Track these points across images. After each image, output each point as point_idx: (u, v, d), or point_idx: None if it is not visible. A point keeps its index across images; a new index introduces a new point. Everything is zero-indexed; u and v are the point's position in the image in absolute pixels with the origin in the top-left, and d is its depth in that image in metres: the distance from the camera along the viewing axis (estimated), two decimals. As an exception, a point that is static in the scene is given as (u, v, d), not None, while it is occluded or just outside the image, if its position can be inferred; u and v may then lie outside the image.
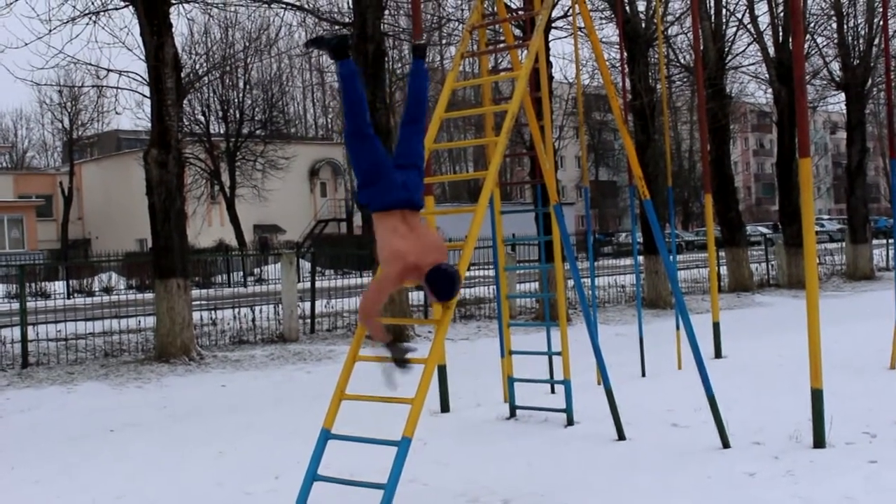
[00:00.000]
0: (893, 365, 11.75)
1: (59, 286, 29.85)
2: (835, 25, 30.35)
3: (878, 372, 11.75)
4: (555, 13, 21.47)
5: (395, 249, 6.21)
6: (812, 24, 29.52)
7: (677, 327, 13.04)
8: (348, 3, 21.11)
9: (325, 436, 6.39)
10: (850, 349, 13.32)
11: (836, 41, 30.68)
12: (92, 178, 65.55)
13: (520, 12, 11.54)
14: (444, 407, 10.78)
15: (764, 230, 60.72)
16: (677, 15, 27.17)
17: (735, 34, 28.96)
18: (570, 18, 20.52)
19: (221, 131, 50.38)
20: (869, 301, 22.57)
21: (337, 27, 24.85)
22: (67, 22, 18.20)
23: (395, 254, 6.21)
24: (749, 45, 29.87)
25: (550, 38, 21.29)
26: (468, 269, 6.89)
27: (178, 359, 15.37)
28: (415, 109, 6.81)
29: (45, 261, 43.44)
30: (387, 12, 21.67)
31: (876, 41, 29.09)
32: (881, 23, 20.35)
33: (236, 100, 50.63)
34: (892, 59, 13.53)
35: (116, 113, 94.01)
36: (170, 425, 10.78)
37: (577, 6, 10.57)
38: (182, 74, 17.09)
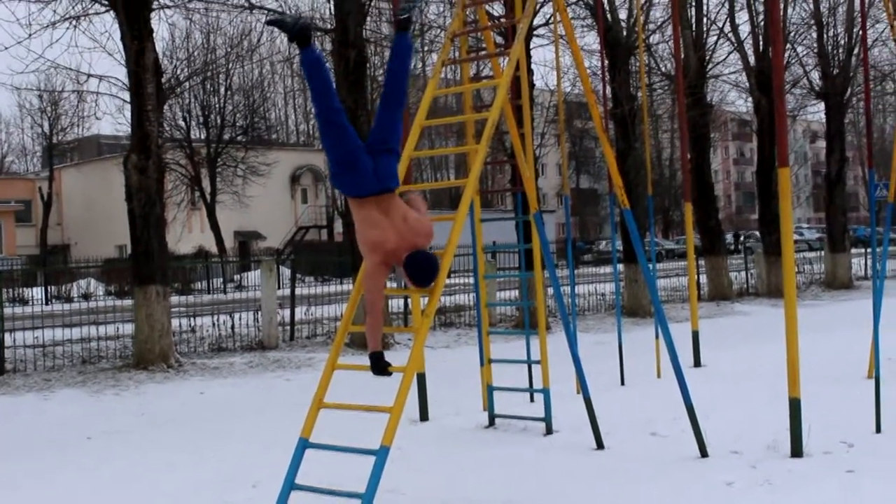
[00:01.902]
0: (871, 374, 11.78)
1: (37, 292, 29.75)
2: (815, 35, 30.52)
3: (855, 381, 11.81)
4: (536, 21, 21.51)
5: (371, 240, 6.22)
6: (792, 34, 29.70)
7: (656, 336, 13.06)
8: (330, 9, 21.14)
9: (303, 444, 6.36)
10: (829, 358, 13.39)
11: (816, 50, 30.85)
12: (72, 183, 65.26)
13: (501, 20, 11.53)
14: (424, 415, 10.77)
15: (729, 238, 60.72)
16: (658, 23, 27.27)
17: (716, 43, 29.10)
18: (552, 26, 20.57)
19: (202, 137, 50.26)
20: (847, 310, 22.67)
21: (319, 33, 24.81)
22: (48, 26, 18.11)
23: (372, 244, 6.22)
24: (729, 53, 29.98)
25: (532, 45, 21.31)
26: (448, 277, 6.88)
27: (156, 366, 15.30)
28: (393, 89, 6.53)
29: (24, 266, 43.16)
30: (369, 18, 21.63)
31: (855, 51, 29.25)
32: (860, 33, 20.45)
33: (217, 105, 50.51)
34: (871, 69, 13.60)
35: (97, 118, 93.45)
36: (147, 433, 10.72)
37: (558, 14, 10.59)
38: (163, 79, 17.03)
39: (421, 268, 6.26)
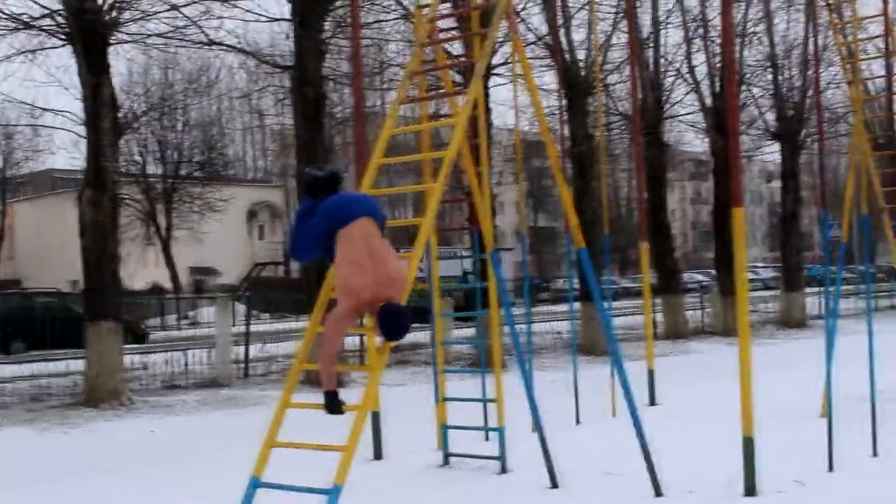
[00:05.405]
0: (824, 413, 11.83)
1: (-14, 327, 29.22)
2: (770, 76, 30.90)
3: (808, 420, 11.83)
4: (495, 60, 21.58)
5: (352, 287, 6.20)
6: (748, 75, 30.03)
7: (612, 374, 13.05)
8: (290, 46, 21.06)
9: (255, 484, 6.29)
10: (783, 397, 13.42)
11: (771, 92, 31.22)
12: (25, 217, 64.56)
13: (460, 59, 11.58)
14: (378, 454, 10.68)
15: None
16: (616, 64, 27.45)
17: (673, 83, 29.36)
18: (511, 65, 20.68)
19: (159, 172, 49.96)
20: (801, 348, 22.79)
21: (278, 70, 24.74)
22: (3, 60, 17.99)
23: (350, 290, 6.20)
24: (686, 94, 30.25)
25: (490, 84, 21.39)
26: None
27: (107, 403, 15.07)
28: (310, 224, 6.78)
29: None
30: (328, 56, 21.62)
31: (809, 93, 29.62)
32: (814, 75, 20.75)
33: (175, 140, 50.26)
34: (825, 110, 13.78)
35: (51, 153, 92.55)
36: (96, 472, 10.54)
37: (516, 54, 10.63)
38: (119, 114, 16.92)
39: (396, 322, 6.24)
